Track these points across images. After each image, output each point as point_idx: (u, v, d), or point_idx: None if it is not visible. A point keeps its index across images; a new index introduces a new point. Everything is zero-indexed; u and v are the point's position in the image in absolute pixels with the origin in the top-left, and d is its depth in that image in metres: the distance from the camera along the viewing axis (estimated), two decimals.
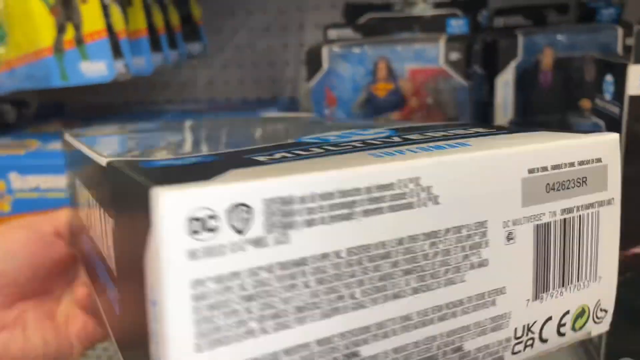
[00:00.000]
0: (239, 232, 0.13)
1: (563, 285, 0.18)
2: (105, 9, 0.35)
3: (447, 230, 0.16)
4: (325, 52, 0.42)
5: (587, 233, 0.19)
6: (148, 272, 0.13)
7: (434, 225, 0.15)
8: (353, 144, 0.18)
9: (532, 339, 0.18)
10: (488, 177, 0.16)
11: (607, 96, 0.28)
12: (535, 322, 0.18)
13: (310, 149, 0.17)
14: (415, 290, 0.15)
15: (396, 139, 0.18)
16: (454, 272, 0.16)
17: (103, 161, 0.18)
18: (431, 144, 0.17)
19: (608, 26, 0.43)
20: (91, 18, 0.37)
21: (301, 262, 0.14)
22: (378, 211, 0.15)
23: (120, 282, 0.17)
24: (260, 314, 0.13)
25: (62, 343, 0.31)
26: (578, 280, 0.19)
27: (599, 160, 0.18)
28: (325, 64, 0.42)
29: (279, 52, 0.61)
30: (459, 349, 0.17)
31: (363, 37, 0.44)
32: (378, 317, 0.15)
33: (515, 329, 0.18)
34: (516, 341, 0.18)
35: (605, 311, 0.20)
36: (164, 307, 0.12)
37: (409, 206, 0.15)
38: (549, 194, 0.17)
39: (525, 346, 0.18)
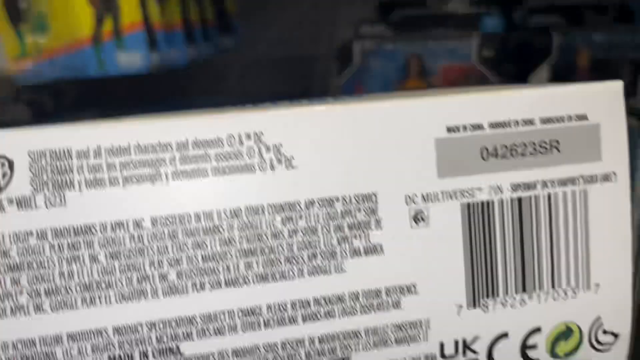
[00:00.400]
0: None
1: (525, 292, 0.13)
2: (142, 1, 0.36)
3: (310, 203, 0.12)
4: (356, 48, 0.42)
5: (565, 221, 0.13)
6: None
7: (287, 196, 0.12)
8: None
9: None
10: (376, 137, 0.12)
11: None
12: (476, 338, 0.13)
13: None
14: (262, 278, 0.12)
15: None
16: (326, 258, 0.12)
17: None
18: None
19: None
20: (129, 10, 0.39)
21: (85, 231, 0.11)
22: (198, 173, 0.12)
23: None
24: (33, 288, 0.11)
25: None
26: (553, 287, 0.13)
27: (582, 117, 0.13)
28: (356, 60, 0.42)
29: (311, 47, 0.59)
30: None
31: (395, 34, 0.43)
32: (206, 308, 0.12)
33: (442, 344, 0.13)
34: None
35: (615, 335, 0.14)
36: None
37: (247, 169, 0.12)
38: (487, 161, 0.13)
39: None
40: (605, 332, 0.14)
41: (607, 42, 0.40)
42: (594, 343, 0.14)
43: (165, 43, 0.37)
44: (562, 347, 0.14)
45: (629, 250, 0.14)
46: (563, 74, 0.40)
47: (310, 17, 0.60)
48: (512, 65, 0.42)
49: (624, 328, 0.14)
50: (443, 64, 0.41)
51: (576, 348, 0.14)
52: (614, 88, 0.13)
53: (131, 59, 0.35)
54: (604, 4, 0.44)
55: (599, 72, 0.39)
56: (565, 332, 0.14)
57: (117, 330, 0.12)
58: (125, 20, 0.35)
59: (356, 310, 0.13)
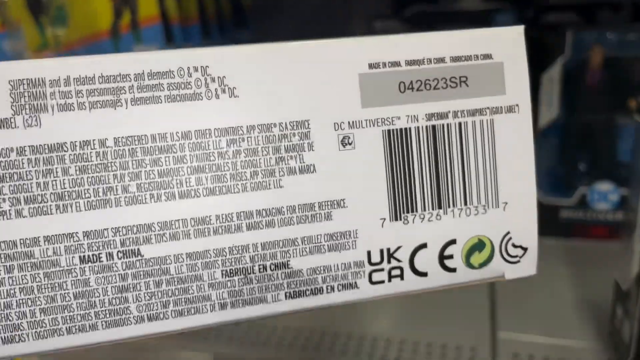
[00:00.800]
0: None
1: (440, 208, 0.15)
2: None
3: (251, 128, 0.14)
4: None
5: (474, 146, 0.15)
6: None
7: (231, 121, 0.14)
8: None
9: (400, 268, 0.16)
10: (308, 72, 0.14)
11: None
12: (399, 247, 0.15)
13: None
14: (211, 191, 0.14)
15: None
16: (266, 175, 0.14)
17: None
18: None
19: None
20: (146, 3, 0.41)
21: (57, 148, 0.13)
22: (152, 100, 0.14)
23: None
24: (13, 196, 0.13)
25: None
26: (465, 204, 0.16)
27: (487, 56, 0.15)
28: None
29: None
30: (284, 265, 0.15)
31: (408, 29, 0.44)
32: (163, 216, 0.14)
33: (369, 253, 0.15)
34: (372, 267, 0.15)
35: (524, 248, 0.16)
36: None
37: (195, 97, 0.14)
38: (404, 94, 0.15)
39: (391, 276, 0.16)
40: (514, 245, 0.16)
41: (620, 40, 0.40)
42: (505, 255, 0.16)
43: (181, 36, 0.39)
44: (476, 258, 0.16)
45: (532, 173, 0.16)
46: (576, 72, 0.40)
47: (324, 12, 0.61)
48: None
49: (532, 242, 0.16)
50: None
51: (489, 259, 0.16)
52: (516, 31, 0.15)
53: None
54: (618, 2, 0.44)
55: (611, 70, 0.39)
56: (478, 245, 0.16)
57: (86, 234, 0.14)
58: (143, 14, 0.37)
59: (293, 221, 0.15)
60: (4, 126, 0.13)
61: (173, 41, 0.41)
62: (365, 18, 0.49)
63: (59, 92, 0.13)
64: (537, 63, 0.41)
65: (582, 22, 0.43)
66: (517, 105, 0.16)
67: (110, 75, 0.14)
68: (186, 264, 0.14)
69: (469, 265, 0.16)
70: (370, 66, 0.15)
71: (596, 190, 0.41)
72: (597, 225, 0.41)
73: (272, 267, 0.15)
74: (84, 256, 0.14)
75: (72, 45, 0.39)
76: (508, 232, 0.16)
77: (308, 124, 0.15)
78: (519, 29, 0.16)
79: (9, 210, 0.13)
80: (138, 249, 0.14)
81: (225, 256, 0.14)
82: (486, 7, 0.43)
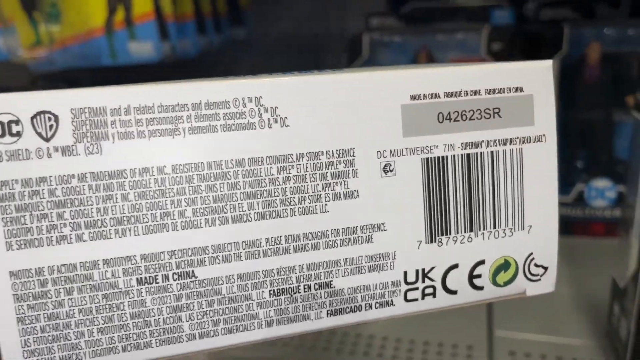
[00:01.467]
0: (45, 138, 0.13)
1: (471, 230, 0.16)
2: None
3: (300, 156, 0.15)
4: (365, 39, 0.42)
5: (504, 173, 0.16)
6: None
7: (281, 149, 0.15)
8: None
9: (433, 287, 0.16)
10: (354, 102, 0.15)
11: None
12: (433, 267, 0.16)
13: None
14: (262, 216, 0.15)
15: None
16: (313, 201, 0.15)
17: None
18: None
19: None
20: (141, 0, 0.40)
21: (117, 175, 0.14)
22: (209, 129, 0.14)
23: None
24: (74, 221, 0.14)
25: None
26: (494, 227, 0.17)
27: (518, 89, 0.16)
28: (365, 52, 0.42)
29: (322, 39, 0.61)
30: (327, 285, 0.16)
31: (405, 26, 0.44)
32: (216, 239, 0.15)
33: (405, 273, 0.16)
34: (408, 287, 0.16)
35: (544, 268, 0.17)
36: None
37: (249, 126, 0.15)
38: (442, 124, 0.16)
39: (424, 295, 0.16)
40: (536, 265, 0.17)
41: (618, 36, 0.39)
42: (527, 274, 0.17)
43: (176, 33, 0.39)
44: (502, 277, 0.17)
45: (555, 198, 0.17)
46: (574, 68, 0.39)
47: (321, 9, 0.61)
48: (522, 59, 0.41)
49: (552, 262, 0.17)
50: (452, 57, 0.40)
51: (513, 278, 0.17)
52: (545, 65, 0.16)
53: (143, 49, 0.37)
54: None
55: (609, 66, 0.38)
56: (504, 265, 0.17)
57: (144, 257, 0.14)
58: (137, 10, 0.37)
59: (337, 243, 0.15)
60: (66, 153, 0.14)
61: (168, 38, 0.41)
62: (362, 14, 0.49)
63: (119, 120, 0.14)
64: (535, 59, 0.40)
65: (580, 18, 0.43)
66: (544, 135, 0.17)
67: (169, 105, 0.14)
68: (237, 285, 0.15)
69: (495, 283, 0.17)
70: (412, 97, 0.15)
71: (593, 187, 0.41)
72: (595, 222, 0.42)
73: (316, 286, 0.16)
74: (141, 278, 0.14)
75: (66, 42, 0.39)
76: (531, 253, 0.17)
77: (353, 152, 0.15)
78: (548, 63, 0.16)
79: (70, 234, 0.14)
80: (192, 271, 0.15)
81: (273, 277, 0.15)
82: (483, 3, 0.43)
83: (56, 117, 0.13)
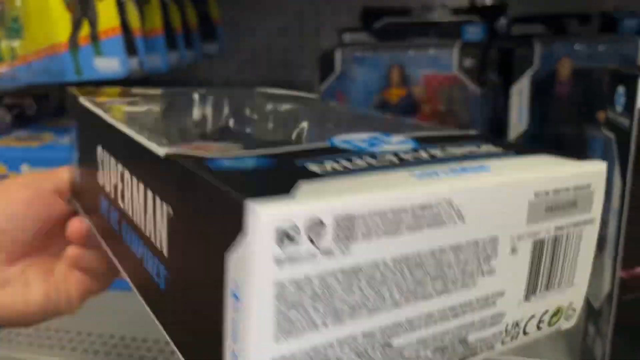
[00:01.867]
0: (314, 243, 0.15)
1: (547, 289, 0.22)
2: (121, 6, 0.36)
3: (468, 244, 0.19)
4: (338, 55, 0.42)
5: (571, 247, 0.22)
6: (232, 270, 0.15)
7: (459, 240, 0.18)
8: (388, 157, 0.20)
9: (517, 332, 0.22)
10: (503, 199, 0.19)
11: (619, 108, 0.27)
12: (522, 319, 0.21)
13: (352, 160, 0.19)
14: (439, 293, 0.18)
15: (423, 154, 0.21)
16: (469, 278, 0.19)
17: (159, 150, 0.20)
18: (455, 165, 0.20)
19: (629, 37, 0.41)
20: (107, 15, 0.38)
21: (357, 269, 0.16)
22: (419, 227, 0.17)
23: (174, 264, 0.19)
24: (324, 311, 0.16)
25: (61, 297, 0.33)
26: (559, 286, 0.22)
27: (588, 186, 0.22)
28: (338, 68, 0.42)
29: (296, 55, 0.62)
30: (464, 340, 0.20)
31: (378, 42, 0.43)
32: (409, 314, 0.18)
33: (507, 325, 0.21)
34: (505, 334, 0.21)
35: (574, 310, 0.23)
36: (251, 304, 0.15)
37: (442, 223, 0.18)
38: (547, 213, 0.21)
39: (512, 338, 0.22)
40: (572, 309, 0.23)
41: (588, 52, 0.39)
42: (566, 316, 0.23)
43: (144, 48, 0.36)
44: (554, 320, 0.23)
45: (591, 260, 0.23)
46: (545, 84, 0.38)
47: (294, 25, 0.58)
48: (494, 75, 0.41)
49: (580, 305, 0.24)
50: (425, 73, 0.40)
51: (559, 319, 0.23)
52: (602, 166, 0.22)
53: (109, 64, 0.34)
54: (586, 14, 0.43)
55: (580, 81, 0.38)
56: (557, 311, 0.23)
57: (364, 335, 0.17)
58: (103, 26, 0.34)
59: (475, 309, 0.20)
60: (326, 255, 0.15)
61: (136, 53, 0.39)
62: (335, 30, 0.48)
63: (365, 224, 0.16)
64: (506, 75, 0.41)
65: (551, 34, 0.43)
66: (594, 218, 0.22)
67: (396, 209, 0.17)
68: (414, 348, 0.18)
69: (549, 325, 0.23)
70: (536, 195, 0.20)
71: None
72: None
73: (458, 342, 0.20)
74: (358, 351, 0.17)
75: (28, 58, 0.35)
76: (572, 302, 0.23)
77: (498, 239, 0.19)
78: (603, 166, 0.22)
79: (319, 322, 0.16)
80: (391, 342, 0.18)
81: (436, 338, 0.19)
82: (456, 19, 0.43)
83: (323, 224, 0.15)
